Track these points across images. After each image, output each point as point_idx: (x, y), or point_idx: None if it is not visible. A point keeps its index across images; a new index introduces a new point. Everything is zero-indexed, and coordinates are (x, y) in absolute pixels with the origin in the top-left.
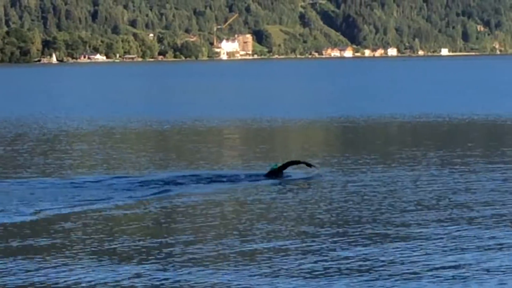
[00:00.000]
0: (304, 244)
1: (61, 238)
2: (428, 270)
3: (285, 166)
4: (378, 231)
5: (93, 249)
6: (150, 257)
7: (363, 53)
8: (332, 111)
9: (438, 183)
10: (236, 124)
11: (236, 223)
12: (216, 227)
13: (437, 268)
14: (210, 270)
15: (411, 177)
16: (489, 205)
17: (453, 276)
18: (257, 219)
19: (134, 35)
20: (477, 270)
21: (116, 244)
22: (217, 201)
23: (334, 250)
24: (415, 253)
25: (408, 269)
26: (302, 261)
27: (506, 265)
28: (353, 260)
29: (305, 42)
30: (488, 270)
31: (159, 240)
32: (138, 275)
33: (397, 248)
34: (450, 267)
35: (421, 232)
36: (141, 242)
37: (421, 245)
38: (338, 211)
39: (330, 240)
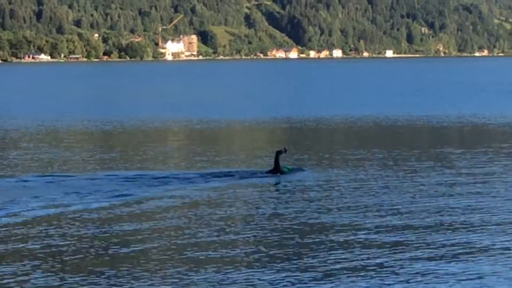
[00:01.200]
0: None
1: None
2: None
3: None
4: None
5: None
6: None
7: (308, 54)
8: (276, 112)
9: (376, 183)
10: (181, 124)
11: (189, 222)
12: (160, 229)
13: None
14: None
15: (353, 176)
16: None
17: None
18: (204, 220)
19: (79, 35)
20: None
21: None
22: (164, 203)
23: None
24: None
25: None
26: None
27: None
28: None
29: (250, 43)
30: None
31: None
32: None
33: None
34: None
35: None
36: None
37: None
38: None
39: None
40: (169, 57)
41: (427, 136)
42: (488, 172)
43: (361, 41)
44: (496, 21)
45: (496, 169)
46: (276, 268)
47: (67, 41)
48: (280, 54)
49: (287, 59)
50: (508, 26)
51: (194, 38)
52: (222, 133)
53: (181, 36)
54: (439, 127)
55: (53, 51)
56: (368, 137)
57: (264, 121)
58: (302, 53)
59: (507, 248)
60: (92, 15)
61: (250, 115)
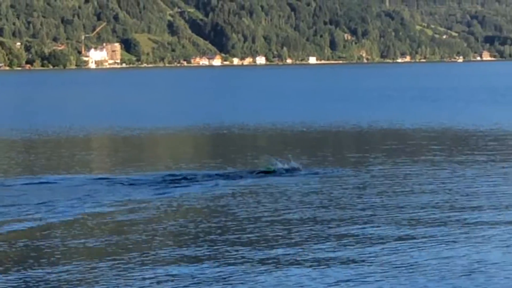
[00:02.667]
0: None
1: None
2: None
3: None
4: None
5: None
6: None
7: (232, 62)
8: (198, 119)
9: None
10: (105, 132)
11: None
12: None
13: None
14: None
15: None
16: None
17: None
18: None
19: (1, 43)
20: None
21: None
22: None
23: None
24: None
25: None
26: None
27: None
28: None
29: (173, 50)
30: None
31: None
32: None
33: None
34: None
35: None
36: None
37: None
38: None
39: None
40: (92, 65)
41: (349, 140)
42: (396, 173)
43: (284, 48)
44: (418, 27)
45: (403, 170)
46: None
47: None
48: (204, 61)
49: (210, 66)
50: (430, 32)
51: (117, 46)
52: (146, 140)
53: (104, 44)
54: (362, 131)
55: None
56: (291, 142)
57: (187, 128)
58: (225, 60)
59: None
60: (14, 24)
61: (173, 122)
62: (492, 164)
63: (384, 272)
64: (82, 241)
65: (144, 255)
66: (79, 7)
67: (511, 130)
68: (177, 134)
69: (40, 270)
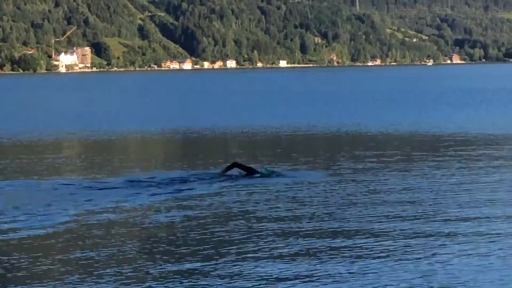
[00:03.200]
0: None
1: None
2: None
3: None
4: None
5: None
6: None
7: (202, 65)
8: (170, 123)
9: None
10: (74, 137)
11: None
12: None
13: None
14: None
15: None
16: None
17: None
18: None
19: None
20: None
21: None
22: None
23: None
24: None
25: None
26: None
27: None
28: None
29: (144, 54)
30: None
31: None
32: None
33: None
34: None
35: None
36: None
37: None
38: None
39: None
40: (62, 69)
41: (318, 144)
42: (362, 178)
43: (255, 52)
44: (388, 30)
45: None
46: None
47: None
48: (174, 65)
49: (181, 70)
50: (400, 35)
51: (87, 50)
52: (115, 144)
53: (75, 48)
54: (330, 135)
55: None
56: (259, 146)
57: (157, 132)
58: (196, 64)
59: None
60: None
61: (143, 126)
62: (453, 166)
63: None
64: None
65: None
66: (49, 11)
67: (479, 133)
68: (147, 138)
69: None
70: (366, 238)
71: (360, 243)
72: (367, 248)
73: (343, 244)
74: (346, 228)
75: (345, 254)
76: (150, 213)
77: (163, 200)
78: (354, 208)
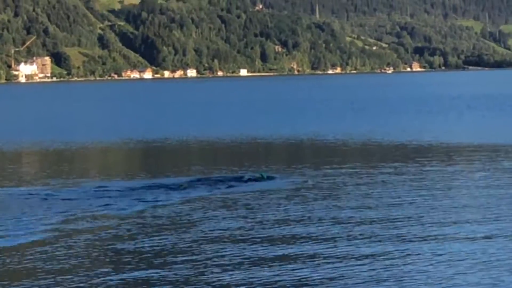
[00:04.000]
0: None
1: None
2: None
3: None
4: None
5: None
6: None
7: (163, 75)
8: (130, 133)
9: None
10: (34, 146)
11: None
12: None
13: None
14: None
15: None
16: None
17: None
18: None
19: None
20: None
21: None
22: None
23: None
24: None
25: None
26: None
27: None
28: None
29: (104, 64)
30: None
31: None
32: None
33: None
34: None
35: None
36: None
37: None
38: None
39: None
40: (22, 79)
41: (276, 152)
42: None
43: (215, 61)
44: (348, 38)
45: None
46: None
47: None
48: (135, 74)
49: (141, 79)
50: (360, 43)
51: (47, 59)
52: (75, 153)
53: (34, 58)
54: (288, 142)
55: None
56: (219, 155)
57: (117, 141)
58: (156, 73)
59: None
60: None
61: (102, 136)
62: (404, 174)
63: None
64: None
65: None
66: (9, 21)
67: (433, 140)
68: (107, 148)
69: None
70: (323, 243)
71: (319, 248)
72: (322, 254)
73: (290, 251)
74: (303, 235)
75: (290, 261)
76: (110, 223)
77: (122, 210)
78: (312, 214)
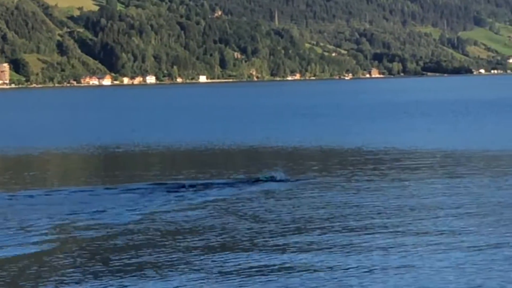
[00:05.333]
0: None
1: None
2: None
3: None
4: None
5: None
6: None
7: (122, 81)
8: (90, 140)
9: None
10: None
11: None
12: None
13: None
14: None
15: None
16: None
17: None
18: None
19: None
20: None
21: None
22: None
23: None
24: None
25: None
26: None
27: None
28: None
29: (63, 70)
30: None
31: None
32: None
33: None
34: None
35: None
36: None
37: None
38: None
39: None
40: None
41: (238, 159)
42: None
43: (175, 67)
44: (307, 45)
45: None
46: None
47: None
48: (94, 81)
49: (100, 86)
50: (319, 50)
51: (6, 66)
52: (34, 159)
53: None
54: (249, 148)
55: None
56: (180, 160)
57: (77, 148)
58: (115, 80)
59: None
60: None
61: (61, 142)
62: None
63: None
64: None
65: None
66: None
67: (388, 146)
68: (65, 154)
69: None
70: (284, 252)
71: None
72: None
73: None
74: (260, 243)
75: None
76: (66, 228)
77: (80, 214)
78: (269, 223)
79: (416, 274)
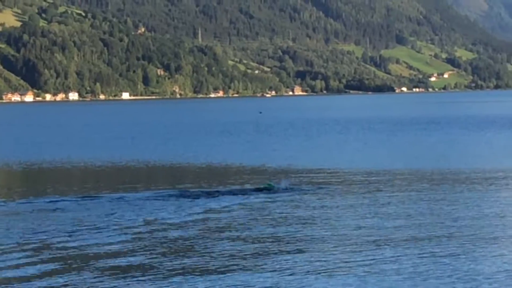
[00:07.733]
0: None
1: None
2: None
3: None
4: None
5: None
6: None
7: (44, 98)
8: (9, 156)
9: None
10: None
11: None
12: None
13: None
14: None
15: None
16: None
17: None
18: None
19: None
20: None
21: None
22: None
23: None
24: None
25: None
26: None
27: None
28: None
29: None
30: None
31: None
32: None
33: None
34: None
35: None
36: None
37: None
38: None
39: None
40: None
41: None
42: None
43: (98, 84)
44: (230, 62)
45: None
46: None
47: None
48: (16, 97)
49: (23, 102)
50: (242, 67)
51: None
52: None
53: None
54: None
55: None
56: (99, 176)
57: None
58: (38, 96)
59: None
60: None
61: None
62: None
63: None
64: None
65: None
66: None
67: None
68: None
69: None
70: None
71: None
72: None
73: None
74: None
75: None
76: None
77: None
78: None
79: None
